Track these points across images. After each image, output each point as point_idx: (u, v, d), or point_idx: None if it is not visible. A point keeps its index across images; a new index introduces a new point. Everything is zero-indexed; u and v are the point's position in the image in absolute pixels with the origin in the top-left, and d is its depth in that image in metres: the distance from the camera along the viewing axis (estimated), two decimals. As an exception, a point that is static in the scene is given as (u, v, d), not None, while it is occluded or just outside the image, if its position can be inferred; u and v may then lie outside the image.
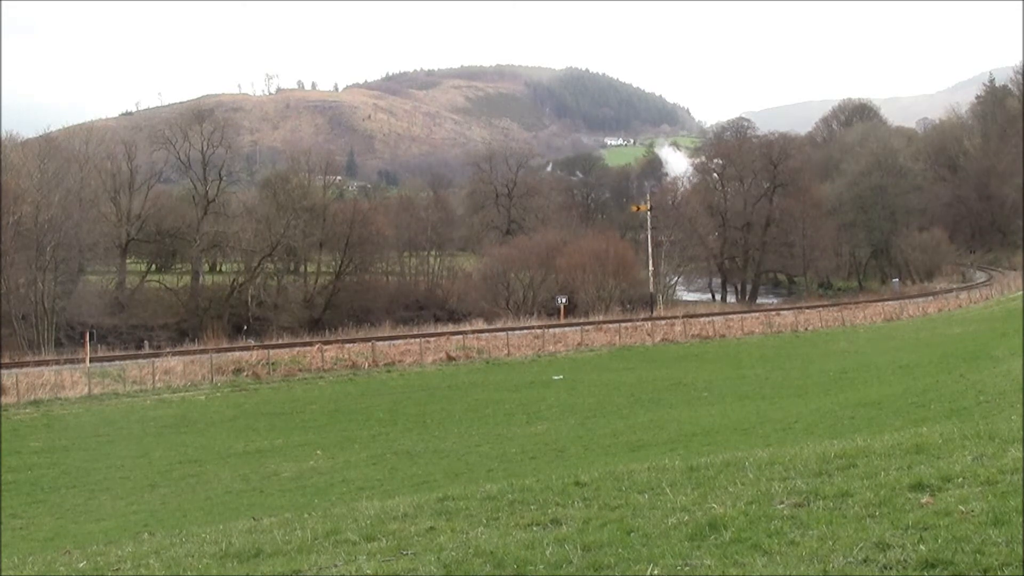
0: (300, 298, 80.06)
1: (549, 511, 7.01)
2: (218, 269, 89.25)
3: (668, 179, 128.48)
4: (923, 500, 6.00)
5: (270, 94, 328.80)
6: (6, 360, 38.85)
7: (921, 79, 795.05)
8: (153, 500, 16.98)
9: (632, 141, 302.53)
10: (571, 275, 67.22)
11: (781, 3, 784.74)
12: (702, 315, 57.22)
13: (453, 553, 5.83)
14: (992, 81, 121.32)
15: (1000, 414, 14.08)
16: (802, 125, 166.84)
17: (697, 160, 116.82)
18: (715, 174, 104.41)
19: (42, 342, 55.91)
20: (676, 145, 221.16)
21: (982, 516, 5.39)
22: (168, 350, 42.21)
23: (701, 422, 21.80)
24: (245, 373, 36.16)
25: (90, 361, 36.82)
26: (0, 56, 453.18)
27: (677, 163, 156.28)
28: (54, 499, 17.79)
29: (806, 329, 51.42)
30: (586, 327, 48.80)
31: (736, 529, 5.66)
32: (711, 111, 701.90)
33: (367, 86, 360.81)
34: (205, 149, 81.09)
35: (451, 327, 52.55)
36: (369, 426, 25.56)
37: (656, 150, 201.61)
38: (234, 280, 79.19)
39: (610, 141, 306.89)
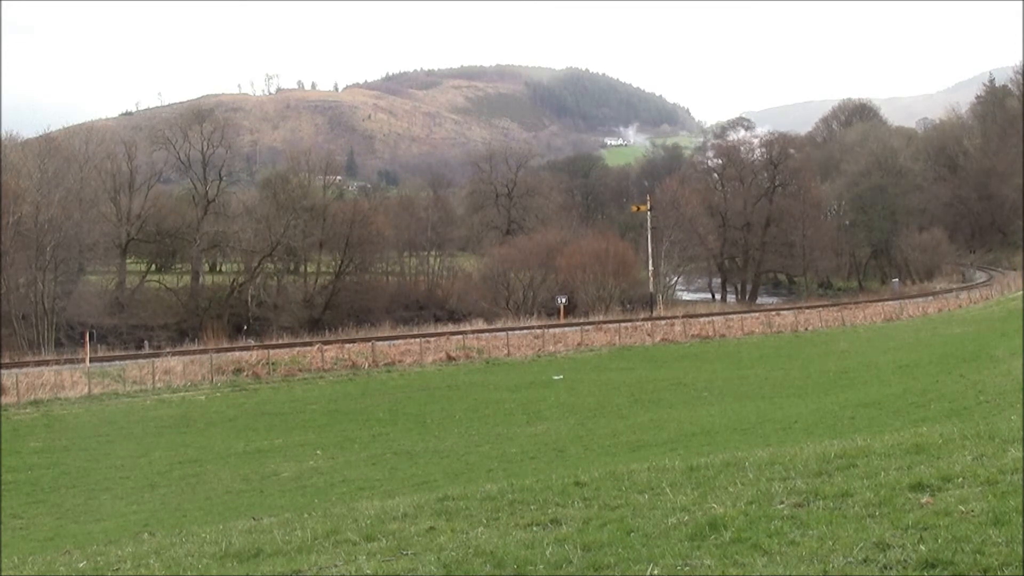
0: (300, 298, 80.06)
1: (549, 511, 7.01)
2: (218, 269, 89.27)
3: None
4: (923, 500, 6.00)
5: (270, 94, 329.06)
6: (6, 360, 38.83)
7: (921, 79, 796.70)
8: (153, 500, 16.96)
9: (633, 141, 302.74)
10: (571, 275, 67.19)
11: (781, 3, 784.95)
12: (702, 315, 57.16)
13: (453, 553, 5.83)
14: (992, 81, 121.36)
15: (1000, 414, 14.08)
16: (802, 125, 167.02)
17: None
18: (715, 174, 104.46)
19: (42, 342, 55.92)
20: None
21: (982, 516, 5.39)
22: (168, 350, 42.15)
23: (701, 422, 21.78)
24: (245, 373, 36.12)
25: (90, 361, 36.78)
26: (0, 56, 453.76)
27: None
28: (54, 499, 17.77)
29: (806, 329, 51.39)
30: (586, 327, 48.76)
31: (736, 529, 5.66)
32: (711, 111, 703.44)
33: (367, 86, 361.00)
34: (205, 149, 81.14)
35: (451, 327, 52.51)
36: (369, 426, 25.53)
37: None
38: (234, 280, 79.21)
39: (610, 141, 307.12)
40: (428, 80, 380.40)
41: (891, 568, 4.71)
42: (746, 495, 6.69)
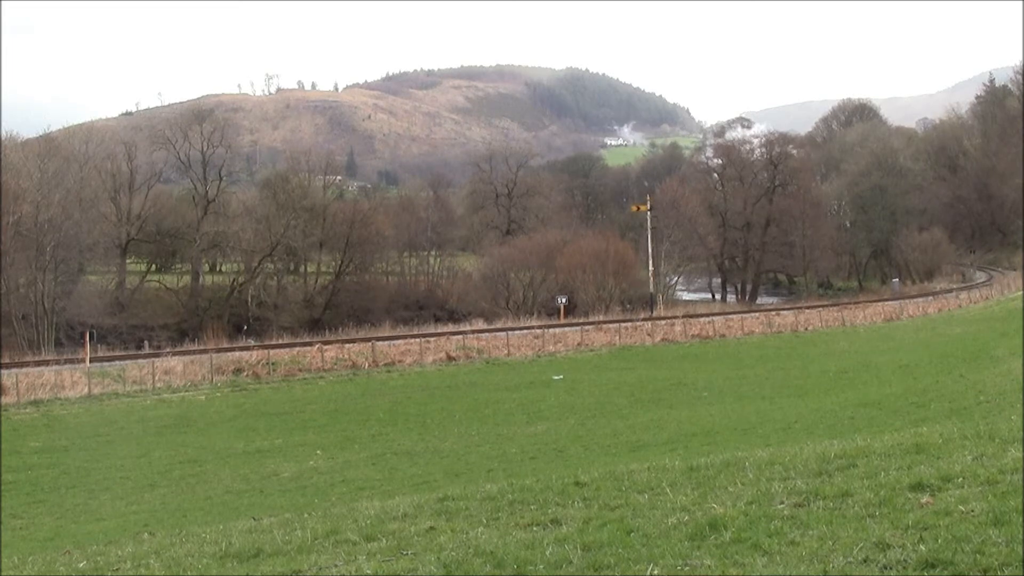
0: (300, 298, 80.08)
1: (549, 511, 7.01)
2: (218, 269, 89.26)
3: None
4: (923, 500, 6.00)
5: (270, 94, 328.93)
6: (6, 360, 38.80)
7: (921, 79, 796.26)
8: (153, 500, 16.97)
9: (632, 141, 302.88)
10: (571, 275, 67.18)
11: (781, 3, 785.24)
12: (702, 315, 57.16)
13: (453, 553, 5.83)
14: (992, 81, 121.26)
15: (1000, 414, 14.09)
16: (802, 125, 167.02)
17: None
18: (715, 174, 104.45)
19: (42, 342, 55.90)
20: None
21: (982, 516, 5.39)
22: (168, 350, 42.13)
23: (701, 422, 21.79)
24: (245, 373, 36.11)
25: (90, 361, 36.77)
26: (0, 56, 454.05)
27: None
28: (54, 499, 17.77)
29: (806, 329, 51.39)
30: (586, 327, 48.75)
31: (736, 529, 5.66)
32: (711, 111, 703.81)
33: (367, 86, 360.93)
34: (205, 149, 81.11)
35: (451, 327, 52.51)
36: (369, 426, 25.54)
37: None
38: (234, 280, 79.21)
39: (610, 141, 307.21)
40: (428, 80, 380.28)
41: (891, 568, 4.70)
42: (746, 495, 6.70)
